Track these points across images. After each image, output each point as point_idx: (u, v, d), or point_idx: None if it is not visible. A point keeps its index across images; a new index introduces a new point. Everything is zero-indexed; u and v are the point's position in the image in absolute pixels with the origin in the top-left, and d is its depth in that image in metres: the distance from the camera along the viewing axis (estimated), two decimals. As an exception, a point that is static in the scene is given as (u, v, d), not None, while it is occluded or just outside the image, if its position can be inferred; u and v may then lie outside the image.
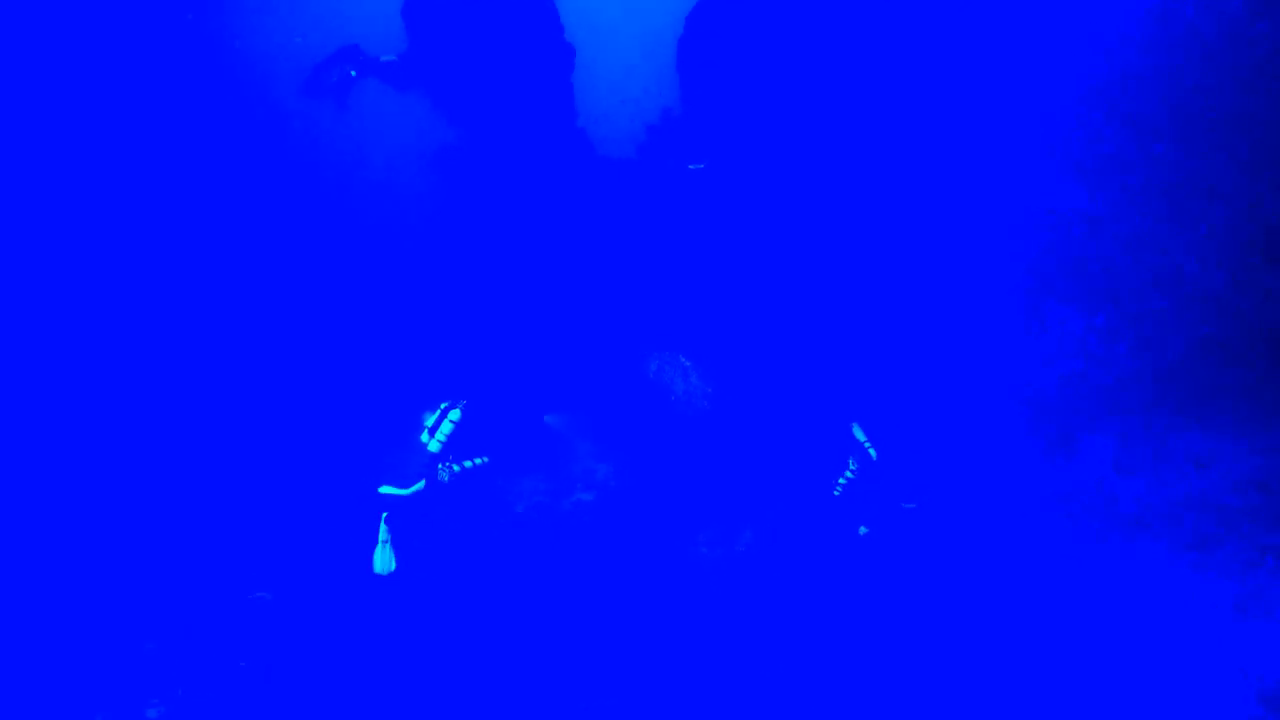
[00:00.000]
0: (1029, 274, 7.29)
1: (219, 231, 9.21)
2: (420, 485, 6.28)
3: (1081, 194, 7.46)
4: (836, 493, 6.42)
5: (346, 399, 8.24)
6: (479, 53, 8.09)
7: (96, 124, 8.45)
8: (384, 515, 6.09)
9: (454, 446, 6.38)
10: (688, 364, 7.61)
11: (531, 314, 7.92)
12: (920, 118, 7.78)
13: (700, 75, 7.56)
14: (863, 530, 6.37)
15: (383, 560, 6.03)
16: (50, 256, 7.92)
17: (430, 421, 6.38)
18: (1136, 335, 6.87)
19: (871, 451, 6.48)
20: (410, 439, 6.46)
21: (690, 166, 7.74)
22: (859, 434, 6.59)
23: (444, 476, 6.30)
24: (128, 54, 8.85)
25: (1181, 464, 6.45)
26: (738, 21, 7.34)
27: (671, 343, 7.62)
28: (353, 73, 8.31)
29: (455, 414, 6.37)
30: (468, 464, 6.45)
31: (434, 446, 6.30)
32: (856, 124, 7.83)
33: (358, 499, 6.74)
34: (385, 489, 6.28)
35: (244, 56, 11.27)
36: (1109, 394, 6.83)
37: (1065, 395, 6.90)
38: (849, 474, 6.41)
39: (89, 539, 7.05)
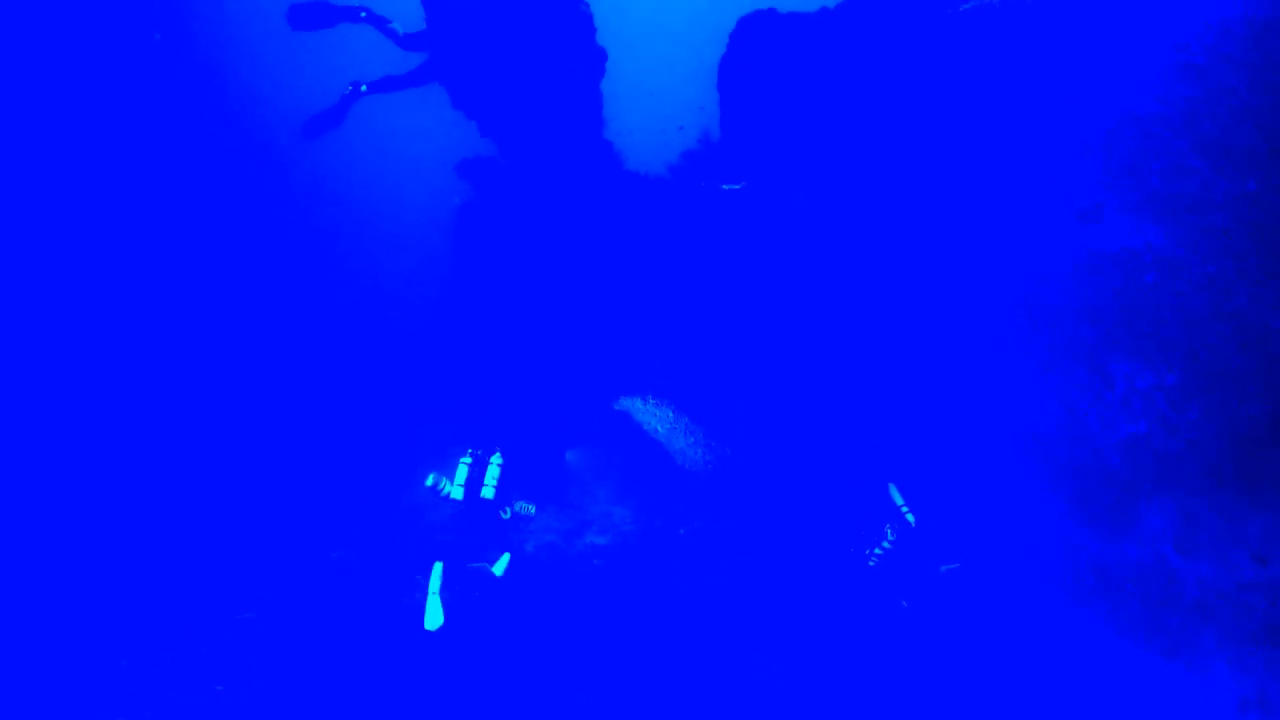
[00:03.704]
0: (1092, 323, 6.62)
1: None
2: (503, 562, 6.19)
3: (1158, 233, 6.73)
4: (871, 563, 5.94)
5: (350, 424, 7.98)
6: (505, 49, 7.52)
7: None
8: (438, 565, 6.03)
9: (505, 489, 6.35)
10: (685, 419, 7.11)
11: (553, 347, 7.48)
12: (968, 139, 7.06)
13: (742, 93, 6.91)
14: (904, 604, 5.89)
15: (432, 614, 5.92)
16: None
17: (461, 479, 6.23)
18: (1212, 398, 6.20)
19: (910, 517, 5.97)
20: (433, 493, 6.26)
21: (725, 187, 7.14)
22: (896, 496, 6.08)
23: (506, 515, 6.31)
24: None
25: (1253, 547, 5.86)
26: (783, 40, 6.65)
27: (683, 390, 7.10)
28: (363, 88, 7.80)
29: (497, 457, 6.29)
30: (519, 508, 6.37)
31: (487, 493, 6.23)
32: (902, 149, 7.14)
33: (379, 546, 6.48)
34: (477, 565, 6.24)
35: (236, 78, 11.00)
36: (1175, 463, 6.20)
37: (1126, 462, 6.29)
38: (886, 544, 5.91)
39: (74, 545, 6.92)
